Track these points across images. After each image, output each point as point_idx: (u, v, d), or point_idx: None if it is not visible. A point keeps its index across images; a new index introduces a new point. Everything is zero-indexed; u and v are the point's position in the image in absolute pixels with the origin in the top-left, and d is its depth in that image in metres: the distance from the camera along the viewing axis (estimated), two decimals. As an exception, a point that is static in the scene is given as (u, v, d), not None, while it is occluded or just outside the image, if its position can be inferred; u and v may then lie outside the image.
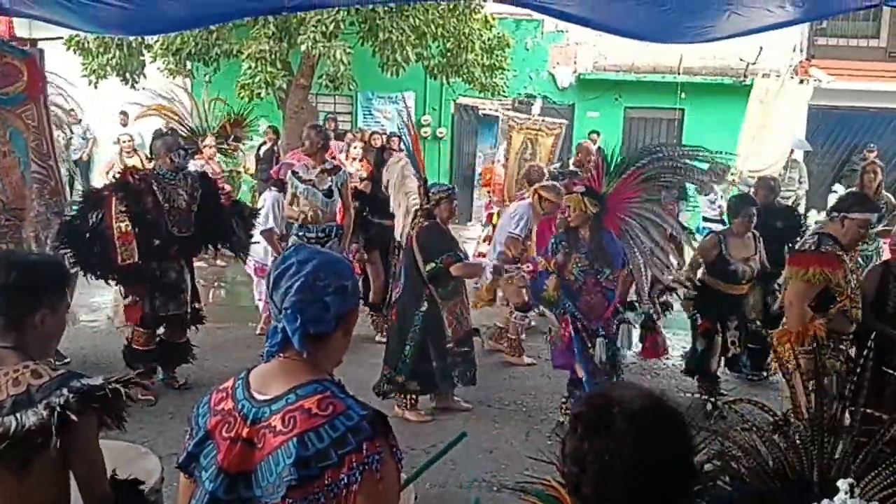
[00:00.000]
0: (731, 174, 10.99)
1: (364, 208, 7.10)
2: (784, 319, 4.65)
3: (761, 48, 13.97)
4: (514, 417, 5.51)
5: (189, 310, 5.64)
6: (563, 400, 5.35)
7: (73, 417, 1.87)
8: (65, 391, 1.90)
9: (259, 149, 12.05)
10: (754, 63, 14.43)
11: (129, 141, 10.31)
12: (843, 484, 1.78)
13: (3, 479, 1.87)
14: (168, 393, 5.63)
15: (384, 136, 12.43)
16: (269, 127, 12.28)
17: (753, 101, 12.91)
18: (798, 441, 2.09)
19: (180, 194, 5.43)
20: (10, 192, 5.50)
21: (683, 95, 14.50)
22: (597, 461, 1.38)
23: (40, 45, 5.96)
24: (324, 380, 1.71)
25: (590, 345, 4.89)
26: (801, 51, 14.71)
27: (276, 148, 11.76)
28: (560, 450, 1.47)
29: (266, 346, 1.74)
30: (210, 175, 9.09)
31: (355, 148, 9.40)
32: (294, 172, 6.39)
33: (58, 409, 1.87)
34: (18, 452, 1.86)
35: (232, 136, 10.49)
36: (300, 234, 6.30)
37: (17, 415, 1.87)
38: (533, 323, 7.65)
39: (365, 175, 7.98)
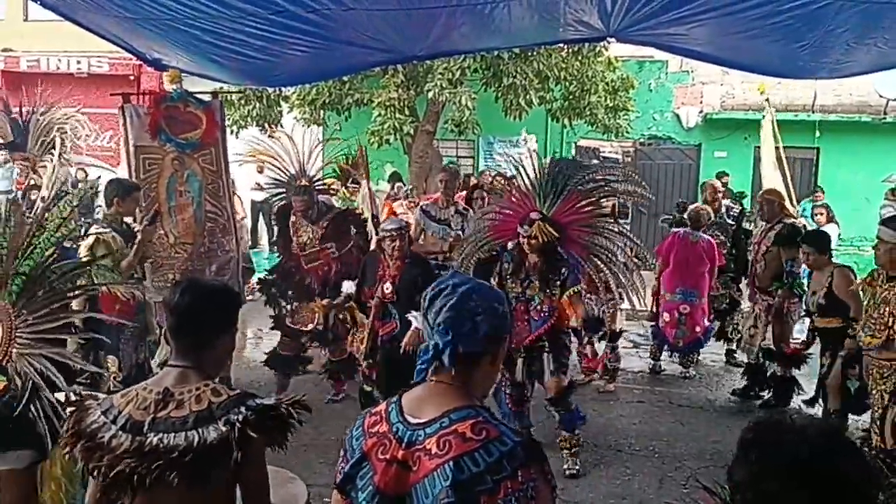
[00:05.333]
0: None
1: None
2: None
3: (902, 82, 13.25)
4: (646, 464, 5.33)
5: (322, 327, 6.06)
6: None
7: (252, 433, 1.98)
8: (243, 409, 2.02)
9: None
10: (895, 99, 13.68)
11: None
12: None
13: (184, 493, 1.98)
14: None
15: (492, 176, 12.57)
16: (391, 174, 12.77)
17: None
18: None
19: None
20: (182, 228, 5.96)
21: (819, 134, 13.87)
22: (767, 488, 1.35)
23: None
24: (475, 405, 1.75)
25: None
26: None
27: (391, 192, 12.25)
28: (728, 476, 1.45)
29: (418, 363, 1.78)
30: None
31: None
32: (425, 211, 6.61)
33: (238, 424, 1.98)
34: (200, 466, 1.97)
35: (350, 179, 10.84)
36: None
37: (199, 430, 1.99)
38: (663, 368, 7.47)
39: None
